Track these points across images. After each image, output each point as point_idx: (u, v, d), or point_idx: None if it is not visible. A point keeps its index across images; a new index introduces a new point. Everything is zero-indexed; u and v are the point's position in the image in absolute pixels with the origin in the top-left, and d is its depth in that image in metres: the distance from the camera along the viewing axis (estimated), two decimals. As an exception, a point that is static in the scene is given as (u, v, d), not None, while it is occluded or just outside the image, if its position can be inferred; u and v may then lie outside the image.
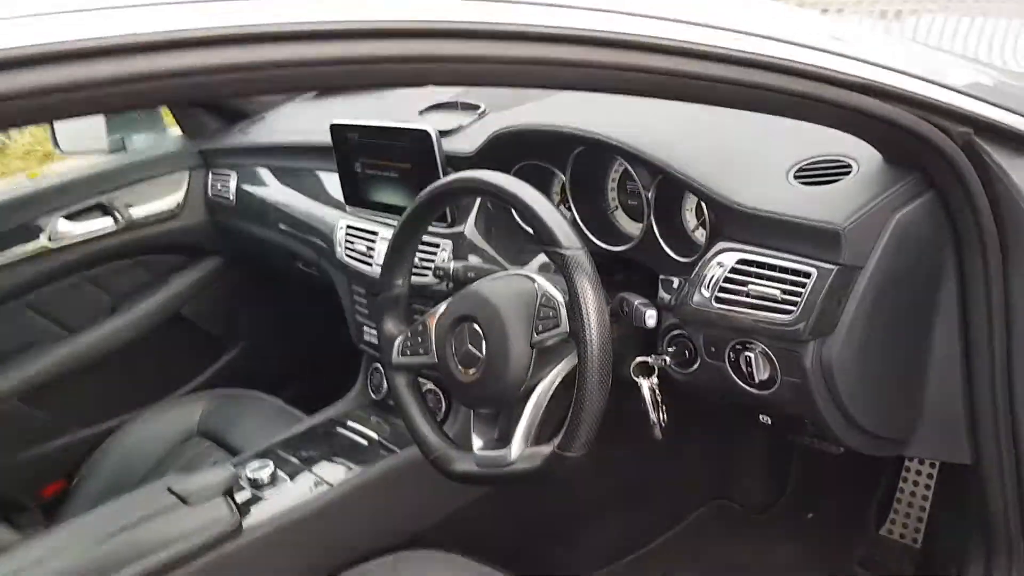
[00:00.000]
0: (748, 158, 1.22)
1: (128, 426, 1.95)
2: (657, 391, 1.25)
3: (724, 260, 1.18)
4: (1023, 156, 1.09)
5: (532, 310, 1.13)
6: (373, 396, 1.81)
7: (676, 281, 1.30)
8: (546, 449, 1.11)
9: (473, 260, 1.52)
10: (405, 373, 1.31)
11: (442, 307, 1.26)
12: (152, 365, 2.27)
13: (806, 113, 0.97)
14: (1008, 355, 1.15)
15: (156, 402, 2.12)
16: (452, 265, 1.41)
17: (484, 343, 1.16)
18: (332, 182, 1.91)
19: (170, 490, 1.43)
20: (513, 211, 1.13)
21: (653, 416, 1.25)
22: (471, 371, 1.18)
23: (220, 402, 2.06)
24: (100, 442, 1.96)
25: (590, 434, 1.08)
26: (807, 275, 1.09)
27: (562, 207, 1.52)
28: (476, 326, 1.17)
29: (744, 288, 1.15)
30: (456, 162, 1.54)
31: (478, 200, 1.56)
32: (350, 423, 1.74)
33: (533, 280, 1.17)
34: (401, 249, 1.30)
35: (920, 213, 1.09)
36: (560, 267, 1.08)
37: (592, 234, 1.45)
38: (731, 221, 1.18)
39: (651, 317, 1.18)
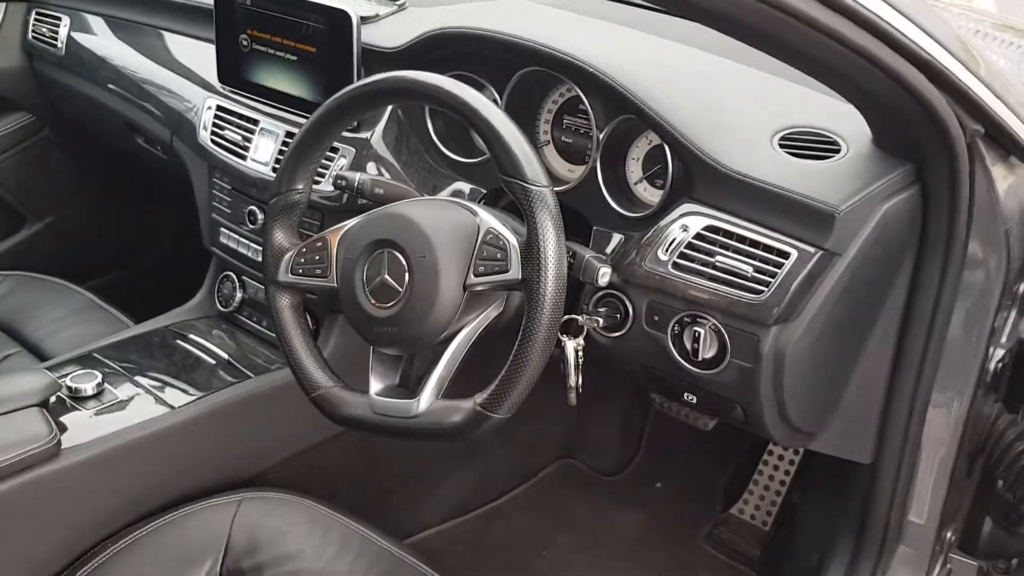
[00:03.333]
0: (730, 116, 1.11)
1: None
2: (581, 353, 1.13)
3: (689, 224, 1.07)
4: (1006, 163, 1.06)
5: (471, 247, 0.99)
6: (221, 308, 1.57)
7: (616, 237, 1.17)
8: (465, 405, 0.98)
9: (378, 175, 1.32)
10: (292, 294, 1.13)
11: (350, 224, 1.08)
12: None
13: (837, 65, 0.86)
14: (934, 363, 1.14)
15: (-71, 276, 1.82)
16: (358, 177, 1.21)
17: (407, 276, 1.00)
18: (186, 50, 1.65)
19: (-34, 393, 1.16)
20: (473, 131, 0.96)
21: (572, 380, 1.13)
22: (385, 305, 1.02)
23: (15, 286, 1.75)
24: None
25: (522, 396, 0.97)
26: (785, 255, 1.00)
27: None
28: (399, 255, 1.01)
29: (709, 258, 1.05)
30: (372, 58, 1.32)
31: (389, 107, 1.35)
32: (192, 336, 1.50)
33: (475, 213, 1.02)
34: (309, 148, 1.11)
35: (902, 207, 1.03)
36: (522, 203, 0.95)
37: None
38: (705, 182, 1.07)
39: (604, 275, 1.05)
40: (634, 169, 1.24)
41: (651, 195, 1.22)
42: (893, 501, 1.26)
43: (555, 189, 1.25)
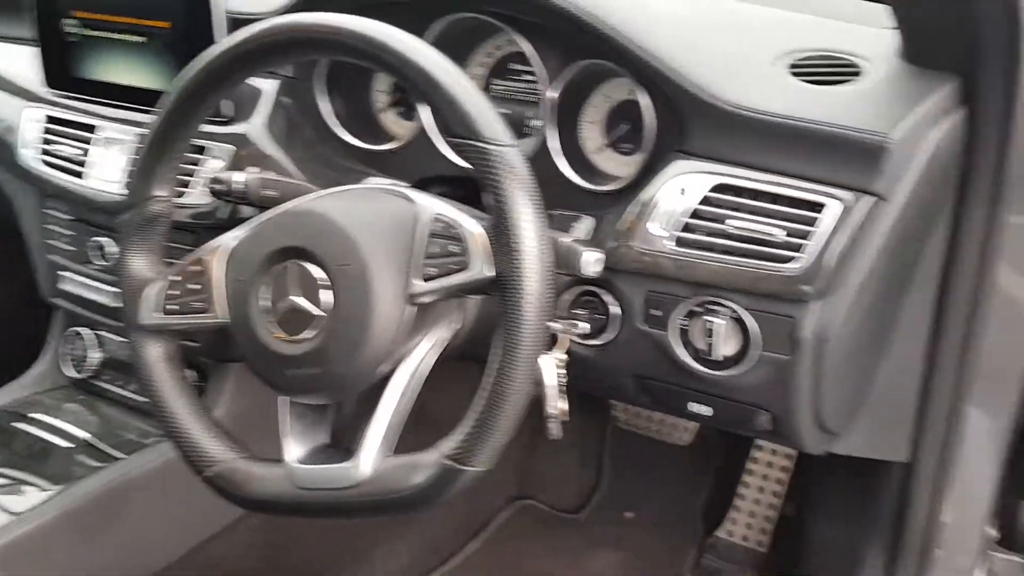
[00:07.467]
0: (725, 43, 0.88)
1: None
2: (564, 371, 0.86)
3: (687, 185, 0.83)
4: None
5: (409, 243, 0.72)
6: (72, 374, 1.23)
7: (585, 221, 0.92)
8: (427, 459, 0.71)
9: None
10: (164, 341, 0.84)
11: (230, 237, 0.81)
12: None
13: None
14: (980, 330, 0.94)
15: None
16: (240, 177, 0.93)
17: (327, 294, 0.73)
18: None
19: None
20: (413, 91, 0.71)
21: (553, 407, 0.87)
22: (299, 338, 0.74)
23: None
24: None
25: (506, 438, 0.70)
26: (819, 207, 0.77)
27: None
28: (311, 266, 0.74)
29: (721, 226, 0.80)
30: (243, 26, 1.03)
31: (271, 87, 1.05)
32: (37, 415, 1.15)
33: (409, 199, 0.74)
34: (171, 138, 0.83)
35: (950, 135, 0.82)
36: (482, 171, 0.69)
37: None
38: (703, 128, 0.83)
39: (598, 262, 0.79)
40: (590, 135, 0.99)
41: (617, 165, 0.99)
42: (934, 502, 1.05)
43: None
